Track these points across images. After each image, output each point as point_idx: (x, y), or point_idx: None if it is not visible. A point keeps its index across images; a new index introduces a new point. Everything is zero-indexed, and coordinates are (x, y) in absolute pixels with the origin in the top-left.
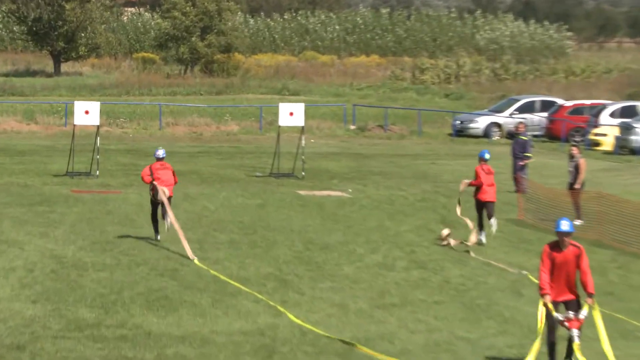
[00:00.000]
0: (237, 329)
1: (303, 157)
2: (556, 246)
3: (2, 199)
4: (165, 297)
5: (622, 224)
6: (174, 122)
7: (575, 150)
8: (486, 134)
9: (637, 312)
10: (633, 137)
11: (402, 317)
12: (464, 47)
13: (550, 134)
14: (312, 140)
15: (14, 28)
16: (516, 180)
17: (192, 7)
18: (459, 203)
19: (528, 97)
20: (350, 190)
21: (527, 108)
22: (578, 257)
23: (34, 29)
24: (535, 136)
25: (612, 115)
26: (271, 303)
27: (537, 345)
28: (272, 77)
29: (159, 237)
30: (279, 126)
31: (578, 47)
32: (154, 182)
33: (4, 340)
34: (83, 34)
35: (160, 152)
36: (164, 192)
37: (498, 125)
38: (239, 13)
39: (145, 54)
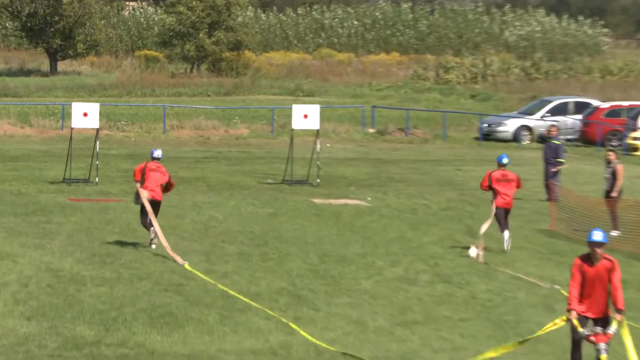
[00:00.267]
0: (247, 347)
1: (318, 162)
2: (588, 259)
3: None
4: (169, 314)
5: None
6: (179, 125)
7: (612, 156)
8: (515, 138)
9: None
10: None
11: (425, 335)
12: (492, 44)
13: (585, 138)
14: (327, 145)
15: (7, 24)
16: (548, 188)
17: (198, 2)
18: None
19: (561, 98)
20: (369, 198)
21: (560, 110)
22: (610, 271)
23: (29, 24)
24: (568, 140)
25: None
26: (284, 320)
27: (511, 347)
28: (284, 76)
29: (153, 246)
30: (292, 129)
31: (615, 44)
32: (137, 186)
33: None
34: (81, 30)
35: (158, 152)
36: (145, 197)
37: (528, 128)
38: (249, 7)
39: (148, 52)
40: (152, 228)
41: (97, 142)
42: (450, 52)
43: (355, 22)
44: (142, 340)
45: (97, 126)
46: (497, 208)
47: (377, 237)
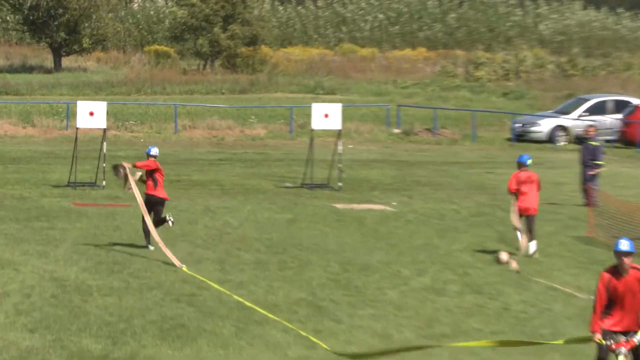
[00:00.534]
0: None
1: (340, 165)
2: (616, 271)
3: None
4: (181, 326)
5: None
6: (191, 125)
7: None
8: (550, 138)
9: None
10: None
11: (454, 350)
12: (525, 39)
13: (625, 139)
14: (350, 146)
15: (8, 17)
16: (585, 192)
17: None
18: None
19: (599, 96)
20: (394, 203)
21: (598, 109)
22: None
23: (31, 18)
24: (607, 141)
25: None
26: (303, 333)
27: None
28: (304, 73)
29: (151, 247)
30: (312, 130)
31: None
32: (127, 173)
33: None
34: (87, 24)
35: (155, 150)
36: (136, 187)
37: (564, 128)
38: (266, 0)
39: (158, 47)
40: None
41: (104, 143)
42: (480, 47)
43: (380, 15)
44: (152, 354)
45: (104, 126)
46: (527, 216)
47: (403, 245)
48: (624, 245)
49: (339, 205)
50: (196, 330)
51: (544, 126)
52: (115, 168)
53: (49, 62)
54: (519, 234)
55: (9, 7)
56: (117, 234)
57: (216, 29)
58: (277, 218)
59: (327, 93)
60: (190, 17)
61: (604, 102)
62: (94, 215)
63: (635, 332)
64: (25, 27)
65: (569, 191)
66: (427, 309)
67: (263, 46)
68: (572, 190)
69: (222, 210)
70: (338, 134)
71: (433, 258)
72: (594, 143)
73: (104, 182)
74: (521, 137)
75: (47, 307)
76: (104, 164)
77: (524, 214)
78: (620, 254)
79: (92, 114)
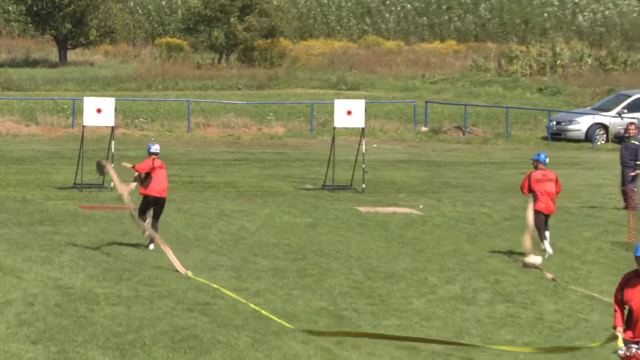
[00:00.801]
0: None
1: (363, 165)
2: (636, 275)
3: None
4: (194, 337)
5: None
6: (205, 122)
7: None
8: (589, 137)
9: None
10: None
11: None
12: (562, 31)
13: None
14: (374, 145)
15: (10, 7)
16: (625, 194)
17: None
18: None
19: None
20: (421, 206)
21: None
22: None
23: (35, 8)
24: None
25: None
26: (324, 344)
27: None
28: (325, 67)
29: (152, 247)
30: (334, 128)
31: None
32: (107, 168)
33: None
34: (94, 15)
35: (156, 147)
36: (127, 195)
37: (604, 126)
38: None
39: (170, 40)
40: (144, 223)
41: (112, 142)
42: (514, 40)
43: (407, 6)
44: None
45: (113, 124)
46: (537, 212)
47: (430, 251)
48: None
49: (362, 209)
50: (210, 341)
51: (582, 124)
52: (100, 166)
53: (54, 55)
54: (545, 243)
55: None
56: (126, 238)
57: (233, 20)
58: (296, 222)
59: (350, 89)
60: (205, 7)
61: None
62: (101, 218)
63: None
64: (29, 18)
65: (608, 193)
66: (456, 320)
67: (282, 38)
68: (612, 192)
69: (237, 214)
70: (362, 133)
71: (462, 265)
72: (635, 142)
73: (111, 184)
74: (557, 135)
75: (51, 316)
76: (112, 165)
77: (546, 213)
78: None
79: (99, 111)
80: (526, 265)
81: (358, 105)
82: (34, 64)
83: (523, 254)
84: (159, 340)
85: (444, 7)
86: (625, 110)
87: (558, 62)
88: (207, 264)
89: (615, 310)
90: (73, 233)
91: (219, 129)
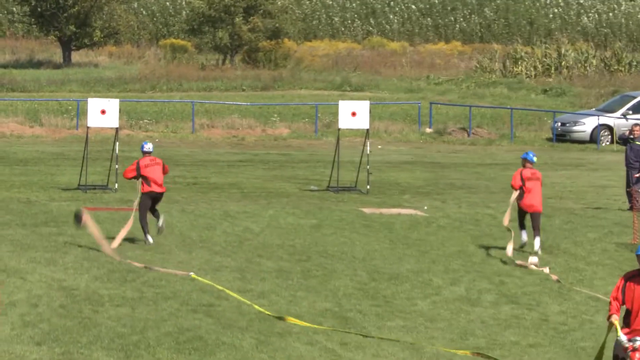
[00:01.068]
0: None
1: (368, 167)
2: (636, 274)
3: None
4: (199, 338)
5: None
6: (209, 124)
7: None
8: (593, 138)
9: None
10: None
11: None
12: (567, 32)
13: None
14: (379, 147)
15: (14, 8)
16: (630, 196)
17: None
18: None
19: None
20: (425, 207)
21: None
22: None
23: (39, 9)
24: None
25: None
26: (329, 345)
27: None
28: (329, 68)
29: (150, 240)
30: (339, 129)
31: None
32: (84, 219)
33: None
34: (98, 16)
35: (149, 146)
36: (93, 225)
37: (608, 128)
38: None
39: (174, 41)
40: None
41: (117, 143)
42: (519, 41)
43: (411, 7)
44: None
45: (117, 125)
46: (521, 210)
47: (435, 252)
48: None
49: (366, 210)
50: (214, 342)
51: (586, 125)
52: (77, 217)
53: (58, 56)
54: (522, 233)
55: None
56: (130, 239)
57: (237, 21)
58: (301, 223)
59: (354, 90)
60: (209, 8)
61: None
62: (105, 220)
63: None
64: (33, 20)
65: (612, 195)
66: (460, 321)
67: (286, 40)
68: (616, 193)
69: (242, 215)
70: (366, 134)
71: (467, 266)
72: (639, 143)
73: (116, 185)
74: (562, 137)
75: (55, 318)
76: (116, 166)
77: (529, 211)
78: None
79: (103, 112)
80: (521, 265)
81: (362, 107)
82: (38, 65)
83: (525, 255)
84: (164, 341)
85: (449, 8)
86: (630, 112)
87: (563, 63)
88: (211, 265)
89: (610, 303)
90: (77, 234)
91: (223, 130)
